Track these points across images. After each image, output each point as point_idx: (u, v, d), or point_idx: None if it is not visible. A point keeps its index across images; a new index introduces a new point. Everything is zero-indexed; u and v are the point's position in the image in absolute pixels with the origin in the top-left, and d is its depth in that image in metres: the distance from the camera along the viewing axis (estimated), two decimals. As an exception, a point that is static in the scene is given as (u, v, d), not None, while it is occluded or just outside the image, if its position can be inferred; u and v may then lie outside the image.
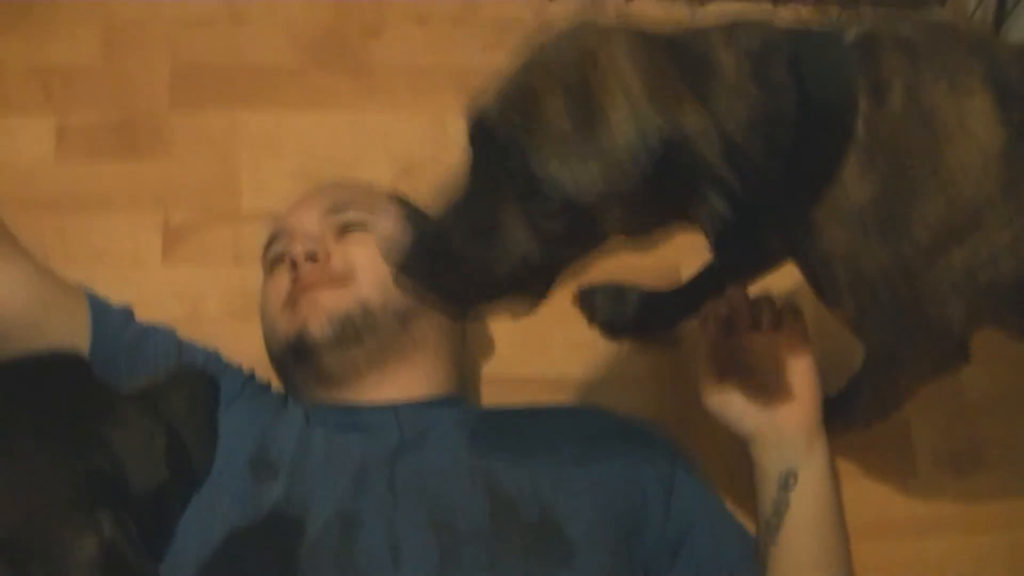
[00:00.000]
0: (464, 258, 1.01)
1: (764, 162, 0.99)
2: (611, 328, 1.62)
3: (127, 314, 1.30)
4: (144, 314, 1.54)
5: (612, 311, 1.62)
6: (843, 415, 1.47)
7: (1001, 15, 1.82)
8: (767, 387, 1.24)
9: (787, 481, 1.21)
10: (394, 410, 1.27)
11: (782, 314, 1.25)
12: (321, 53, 1.80)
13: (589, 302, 1.63)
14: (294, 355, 1.30)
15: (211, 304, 1.60)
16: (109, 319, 1.25)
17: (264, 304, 1.39)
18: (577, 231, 1.00)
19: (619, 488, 1.25)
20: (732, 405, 1.25)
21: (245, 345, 1.52)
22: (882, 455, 1.59)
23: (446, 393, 1.34)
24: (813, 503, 1.21)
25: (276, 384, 1.42)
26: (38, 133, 1.69)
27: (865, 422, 1.49)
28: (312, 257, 1.31)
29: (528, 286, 1.06)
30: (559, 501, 1.19)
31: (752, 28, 1.02)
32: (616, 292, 1.63)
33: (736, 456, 1.54)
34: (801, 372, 1.24)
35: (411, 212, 1.47)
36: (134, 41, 1.77)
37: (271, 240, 1.41)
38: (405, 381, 1.31)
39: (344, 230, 1.36)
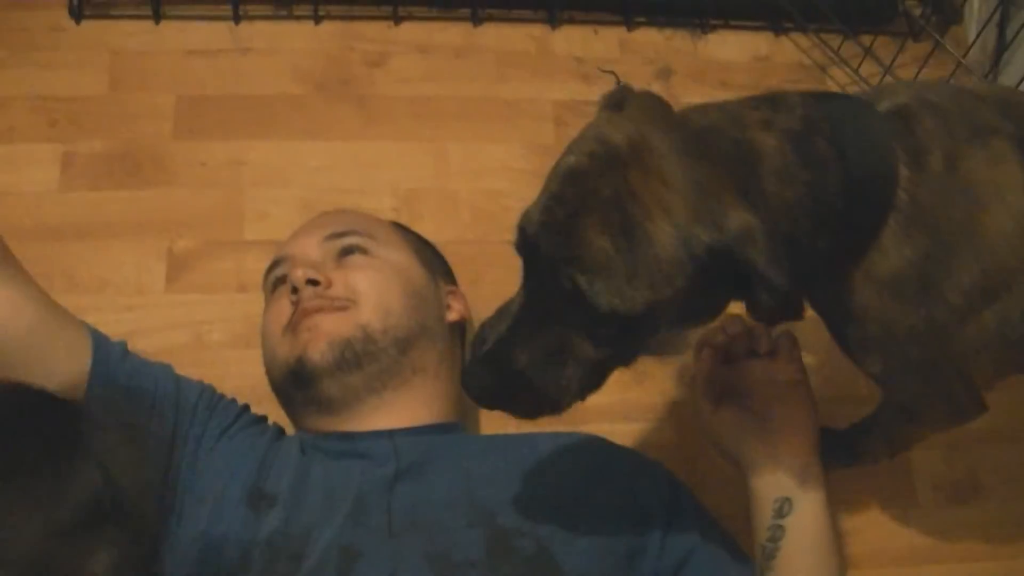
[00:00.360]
0: (534, 377, 1.02)
1: (810, 239, 1.00)
2: None
3: (124, 347, 1.30)
4: (148, 341, 1.56)
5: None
6: (851, 452, 1.47)
7: (1001, 46, 1.83)
8: (763, 415, 1.25)
9: (782, 508, 1.21)
10: (391, 437, 1.27)
11: (778, 342, 1.26)
12: (324, 83, 1.82)
13: None
14: (294, 380, 1.30)
15: (215, 332, 1.60)
16: (109, 349, 1.25)
17: (265, 329, 1.39)
18: (631, 334, 1.00)
19: (617, 520, 1.24)
20: (728, 432, 1.26)
21: (248, 372, 1.53)
22: (882, 484, 1.59)
23: (444, 419, 1.34)
24: (809, 530, 1.21)
25: (273, 415, 1.43)
26: (43, 162, 1.70)
27: (872, 460, 1.50)
28: (313, 282, 1.32)
29: (588, 387, 1.06)
30: (556, 533, 1.18)
31: (788, 105, 1.01)
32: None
33: (737, 482, 1.57)
34: (797, 400, 1.25)
35: (413, 240, 1.48)
36: (139, 71, 1.79)
37: (272, 266, 1.42)
38: (403, 408, 1.31)
39: (344, 254, 1.37)
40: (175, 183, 1.71)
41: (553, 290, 0.97)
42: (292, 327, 1.32)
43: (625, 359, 1.06)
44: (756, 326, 1.26)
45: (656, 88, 1.83)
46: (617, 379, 1.58)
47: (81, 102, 1.76)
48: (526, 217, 0.99)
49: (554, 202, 0.96)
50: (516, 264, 1.66)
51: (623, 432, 1.50)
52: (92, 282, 1.62)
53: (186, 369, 1.54)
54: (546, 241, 0.95)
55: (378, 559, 1.12)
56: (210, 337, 1.60)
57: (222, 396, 1.36)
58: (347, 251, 1.37)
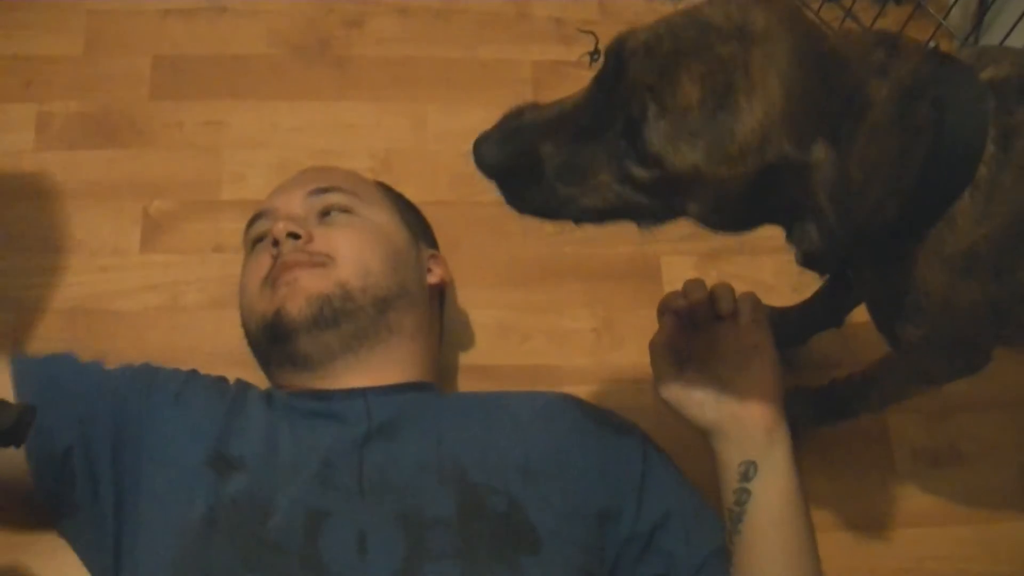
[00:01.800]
0: (546, 172, 0.99)
1: (877, 201, 0.98)
2: None
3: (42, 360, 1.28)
4: (123, 302, 1.57)
5: None
6: (833, 411, 1.48)
7: (983, 8, 1.82)
8: (726, 379, 1.23)
9: (747, 472, 1.20)
10: (364, 396, 1.26)
11: (741, 305, 1.24)
12: (302, 44, 1.80)
13: None
14: (270, 335, 1.29)
15: (190, 293, 1.59)
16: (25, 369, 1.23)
17: (243, 282, 1.38)
18: (658, 195, 0.97)
19: (591, 481, 1.24)
20: (690, 397, 1.23)
21: (224, 333, 1.53)
22: (861, 450, 1.60)
23: (417, 379, 1.34)
24: (775, 493, 1.20)
25: (249, 378, 1.41)
26: (18, 122, 1.69)
27: (854, 416, 1.50)
28: (294, 235, 1.31)
29: (587, 219, 1.03)
30: (529, 492, 1.17)
31: (906, 53, 0.99)
32: None
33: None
34: (761, 363, 1.23)
35: (397, 200, 1.47)
36: (116, 32, 1.78)
37: (254, 219, 1.41)
38: (378, 367, 1.30)
39: (327, 212, 1.36)
40: (151, 144, 1.70)
41: (614, 111, 0.94)
42: (271, 281, 1.30)
43: (634, 215, 1.02)
44: (719, 287, 1.25)
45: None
46: (595, 342, 1.61)
47: (57, 62, 1.75)
48: (632, 34, 0.95)
49: (668, 35, 0.93)
50: (494, 227, 1.69)
51: (601, 394, 1.50)
52: (67, 243, 1.61)
53: (161, 330, 1.55)
54: (640, 62, 0.92)
55: (347, 519, 1.11)
56: (186, 298, 1.59)
57: (160, 369, 1.33)
58: (330, 209, 1.36)
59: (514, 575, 1.09)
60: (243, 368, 1.48)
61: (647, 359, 1.60)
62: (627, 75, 0.93)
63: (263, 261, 1.33)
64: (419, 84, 1.79)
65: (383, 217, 1.39)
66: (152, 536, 1.15)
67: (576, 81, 1.80)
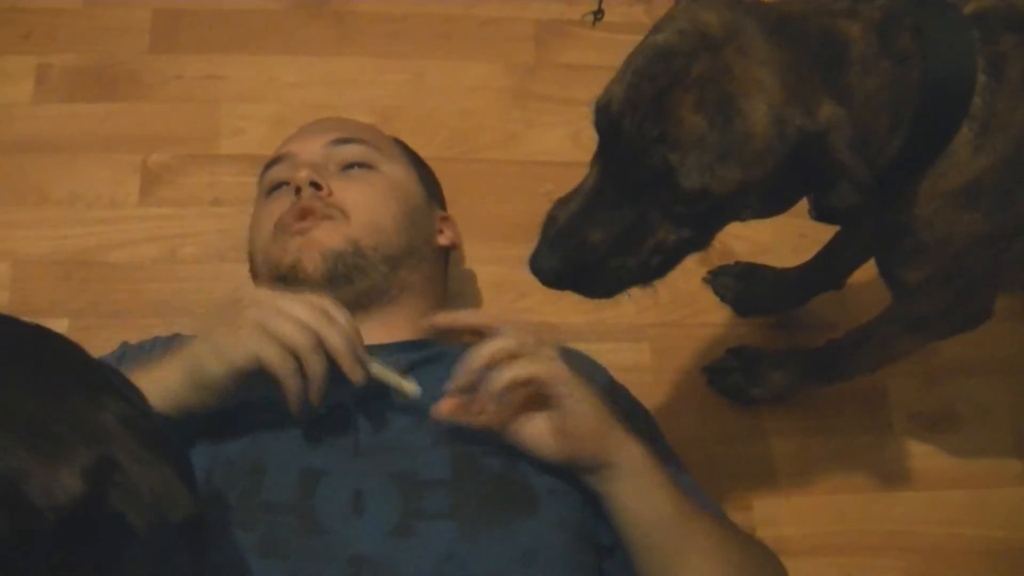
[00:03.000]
0: (609, 256, 1.00)
1: (886, 137, 0.99)
2: (742, 307, 1.64)
3: None
4: (121, 255, 1.57)
5: (742, 290, 1.64)
6: (829, 372, 1.48)
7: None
8: (549, 419, 1.12)
9: (601, 501, 1.14)
10: (372, 353, 1.25)
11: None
12: (302, -1, 1.80)
13: (720, 282, 1.65)
14: (283, 286, 1.26)
15: (188, 246, 1.59)
16: None
17: (257, 226, 1.36)
18: (714, 219, 1.00)
19: None
20: (529, 438, 1.14)
21: (221, 286, 1.54)
22: (858, 412, 1.60)
23: (419, 337, 1.33)
24: (633, 522, 1.12)
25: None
26: (17, 74, 1.69)
27: (850, 376, 1.50)
28: (315, 185, 1.29)
29: (664, 268, 1.05)
30: (524, 455, 1.17)
31: None
32: (746, 272, 1.65)
33: (706, 408, 1.57)
34: (573, 405, 1.11)
35: (414, 158, 1.46)
36: (116, -17, 1.77)
37: (272, 163, 1.39)
38: (388, 324, 1.28)
39: (348, 165, 1.35)
40: (150, 97, 1.70)
41: (633, 168, 0.95)
42: (284, 226, 1.29)
43: (703, 242, 1.03)
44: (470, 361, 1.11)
45: (638, 9, 1.83)
46: (592, 300, 1.60)
47: (56, 15, 1.74)
48: (608, 94, 0.97)
49: (641, 79, 0.93)
50: (491, 183, 1.68)
51: (596, 352, 1.49)
52: (65, 196, 1.61)
53: (159, 283, 1.55)
54: (631, 119, 0.93)
55: (343, 478, 1.10)
56: (183, 251, 1.59)
57: (138, 345, 1.32)
58: (351, 161, 1.35)
59: (510, 535, 1.08)
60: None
61: (644, 318, 1.61)
62: (627, 137, 0.94)
63: (280, 206, 1.32)
64: (418, 40, 1.78)
65: (401, 173, 1.38)
66: None
67: (578, 39, 1.83)
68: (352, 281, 1.26)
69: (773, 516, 1.50)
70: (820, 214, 1.11)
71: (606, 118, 0.96)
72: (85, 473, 0.67)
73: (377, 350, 1.24)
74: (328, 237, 1.26)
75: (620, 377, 1.38)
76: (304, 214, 1.27)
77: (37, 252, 1.57)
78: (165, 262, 1.56)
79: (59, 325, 1.47)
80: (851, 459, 1.57)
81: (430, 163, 1.53)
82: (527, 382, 1.08)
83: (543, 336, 1.12)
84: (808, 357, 1.52)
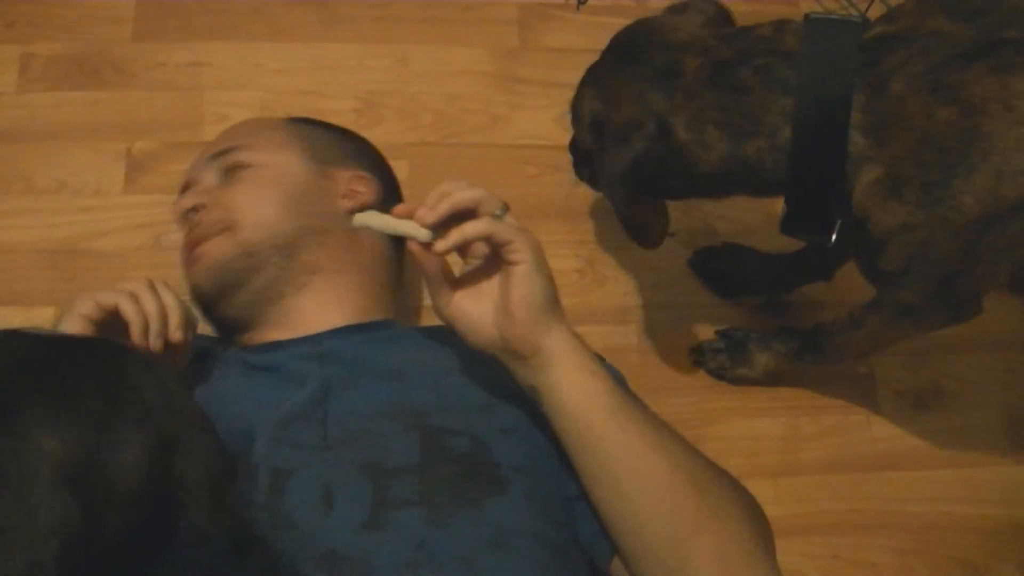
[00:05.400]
0: None
1: (731, 145, 1.18)
2: (726, 288, 1.65)
3: None
4: (106, 243, 1.57)
5: (726, 271, 1.64)
6: (820, 352, 1.48)
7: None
8: (487, 297, 1.12)
9: (534, 397, 1.13)
10: (319, 342, 1.23)
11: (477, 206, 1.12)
12: (286, -15, 1.79)
13: (703, 263, 1.65)
14: (199, 307, 1.30)
15: (173, 233, 1.56)
16: None
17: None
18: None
19: (541, 427, 1.18)
20: (461, 321, 1.14)
21: (206, 274, 1.53)
22: (845, 391, 1.60)
23: (372, 317, 1.31)
24: (569, 415, 1.10)
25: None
26: (1, 63, 1.68)
27: (839, 359, 1.50)
28: (196, 209, 1.32)
29: None
30: (489, 428, 1.15)
31: (790, 30, 1.18)
32: (730, 252, 1.65)
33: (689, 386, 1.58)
34: (516, 273, 1.09)
35: (306, 133, 1.43)
36: (99, -28, 1.76)
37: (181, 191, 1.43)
38: (319, 310, 1.27)
39: (229, 172, 1.35)
40: (134, 85, 1.69)
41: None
42: (186, 255, 1.33)
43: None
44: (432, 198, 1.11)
45: (623, -6, 1.83)
46: (578, 282, 1.61)
47: (40, 4, 1.74)
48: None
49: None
50: (477, 167, 1.68)
51: (583, 334, 1.48)
52: (50, 184, 1.61)
53: (143, 271, 1.53)
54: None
55: (311, 475, 1.08)
56: (168, 239, 1.57)
57: None
58: (232, 167, 1.35)
59: (479, 517, 1.07)
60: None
61: (630, 300, 1.61)
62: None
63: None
64: (402, 25, 1.78)
65: (278, 158, 1.36)
66: None
67: (563, 23, 1.83)
68: (244, 283, 1.27)
69: (761, 496, 1.47)
70: (782, 228, 1.27)
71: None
72: (148, 449, 0.73)
73: (325, 337, 1.24)
74: (214, 252, 1.28)
75: (607, 358, 1.37)
76: (193, 245, 1.30)
77: (23, 241, 1.57)
78: (150, 250, 1.56)
79: (45, 314, 1.48)
80: (839, 438, 1.57)
81: (415, 147, 1.53)
82: (487, 239, 1.08)
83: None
84: (796, 340, 1.51)
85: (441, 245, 1.08)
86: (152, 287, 1.11)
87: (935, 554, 1.52)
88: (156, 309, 1.09)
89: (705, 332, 1.60)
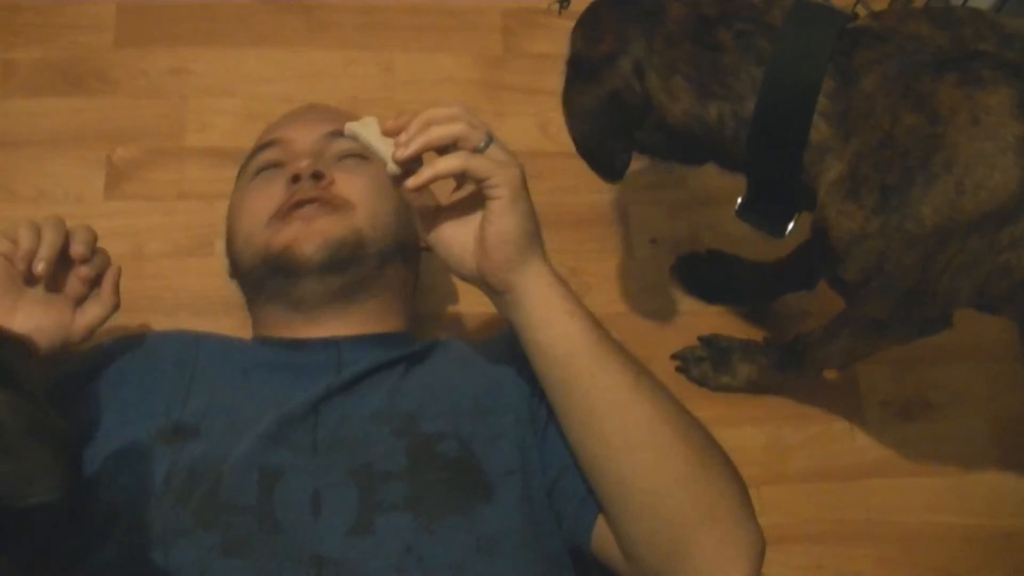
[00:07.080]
0: None
1: (708, 117, 1.16)
2: (709, 295, 1.64)
3: None
4: (86, 251, 1.55)
5: (709, 279, 1.64)
6: (799, 363, 1.47)
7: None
8: (468, 227, 1.10)
9: (515, 333, 1.12)
10: (337, 346, 1.24)
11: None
12: (269, -10, 1.79)
13: (687, 271, 1.65)
14: (273, 268, 1.25)
15: (154, 241, 1.58)
16: None
17: (245, 212, 1.33)
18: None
19: (524, 417, 1.19)
20: (442, 249, 1.12)
21: (188, 283, 1.53)
22: (830, 400, 1.60)
23: (393, 330, 1.32)
24: (545, 353, 1.09)
25: (217, 327, 1.38)
26: (-18, 69, 1.67)
27: (818, 371, 1.50)
28: (317, 175, 1.28)
29: None
30: (475, 433, 1.15)
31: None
32: (715, 260, 1.65)
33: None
34: (494, 205, 1.06)
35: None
36: (80, -22, 1.75)
37: (262, 146, 1.37)
38: (360, 319, 1.27)
39: (343, 156, 1.33)
40: (116, 92, 1.69)
41: None
42: (281, 215, 1.27)
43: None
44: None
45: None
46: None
47: (21, 10, 1.73)
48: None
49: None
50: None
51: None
52: (30, 192, 1.60)
53: (125, 278, 1.51)
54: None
55: (301, 477, 1.08)
56: (149, 247, 1.57)
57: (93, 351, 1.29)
58: (347, 154, 1.33)
59: (469, 523, 1.07)
60: (206, 317, 1.48)
61: (613, 308, 1.60)
62: None
63: (273, 193, 1.29)
64: (387, 31, 1.77)
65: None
66: (109, 504, 1.12)
67: (547, 30, 1.82)
68: (345, 271, 1.25)
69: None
70: (737, 212, 1.27)
71: None
72: None
73: (344, 343, 1.24)
74: (332, 227, 1.25)
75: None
76: (308, 202, 1.26)
77: (3, 249, 1.55)
78: (131, 258, 1.55)
79: (25, 322, 1.46)
80: (824, 447, 1.57)
81: (399, 155, 1.52)
82: (464, 175, 1.06)
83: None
84: (777, 351, 1.51)
85: (412, 182, 1.04)
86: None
87: (920, 564, 1.52)
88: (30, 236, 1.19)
89: (689, 339, 1.60)
